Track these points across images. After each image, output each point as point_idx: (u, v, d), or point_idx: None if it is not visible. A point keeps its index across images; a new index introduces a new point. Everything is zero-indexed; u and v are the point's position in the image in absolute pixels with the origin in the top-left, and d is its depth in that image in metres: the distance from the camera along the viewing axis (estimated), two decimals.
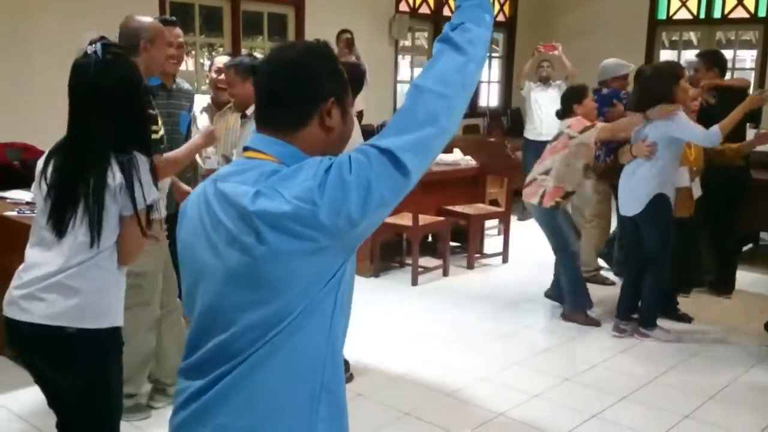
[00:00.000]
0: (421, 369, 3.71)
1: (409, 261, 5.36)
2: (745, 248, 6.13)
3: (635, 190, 4.10)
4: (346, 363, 3.49)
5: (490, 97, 10.02)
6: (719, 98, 4.67)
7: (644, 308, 4.28)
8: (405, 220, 5.16)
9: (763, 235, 6.39)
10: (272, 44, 7.93)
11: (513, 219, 7.40)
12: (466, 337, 4.22)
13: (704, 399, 3.45)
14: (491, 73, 10.02)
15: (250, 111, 3.35)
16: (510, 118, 9.52)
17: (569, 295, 4.50)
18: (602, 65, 5.26)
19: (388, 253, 5.67)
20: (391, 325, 4.39)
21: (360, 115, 7.12)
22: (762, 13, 8.10)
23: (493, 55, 10.03)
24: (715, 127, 3.89)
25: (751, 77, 8.44)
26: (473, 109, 9.53)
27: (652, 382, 3.65)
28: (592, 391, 3.51)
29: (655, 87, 4.10)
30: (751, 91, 5.20)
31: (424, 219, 5.20)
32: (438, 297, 4.97)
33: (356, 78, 3.25)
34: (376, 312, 4.59)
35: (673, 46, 9.14)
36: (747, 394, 3.54)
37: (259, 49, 7.50)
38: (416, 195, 5.15)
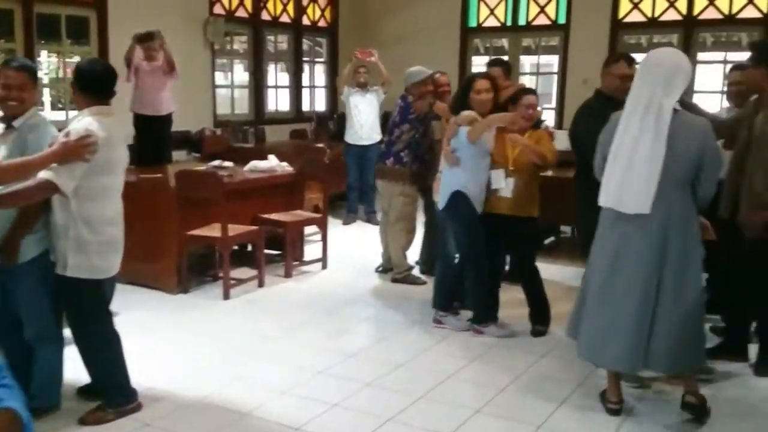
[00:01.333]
0: (220, 389, 3.56)
1: (222, 274, 5.18)
2: (547, 241, 6.54)
3: (443, 185, 4.33)
4: (133, 392, 3.28)
5: (316, 101, 10.02)
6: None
7: (472, 306, 4.43)
8: (214, 230, 4.98)
9: (563, 228, 6.83)
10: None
11: (338, 223, 7.50)
12: (274, 349, 4.12)
13: (497, 391, 3.58)
14: (316, 77, 10.03)
15: (18, 122, 3.05)
16: (337, 122, 9.57)
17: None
18: (406, 73, 5.38)
19: (201, 266, 5.46)
20: (195, 344, 4.19)
21: (169, 117, 6.84)
22: (562, 20, 8.70)
23: (317, 60, 10.06)
24: (466, 131, 4.09)
25: (554, 81, 9.07)
26: (299, 114, 9.50)
27: (451, 377, 3.75)
28: (392, 394, 3.53)
29: (458, 97, 4.34)
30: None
31: (236, 229, 5.05)
32: (251, 309, 4.84)
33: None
34: (180, 331, 4.38)
35: (487, 52, 9.59)
36: (538, 382, 3.72)
37: (54, 53, 6.97)
38: (226, 204, 5.08)
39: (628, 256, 3.12)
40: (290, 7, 9.19)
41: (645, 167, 3.01)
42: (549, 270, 5.73)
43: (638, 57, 7.33)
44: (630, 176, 3.04)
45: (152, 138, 6.70)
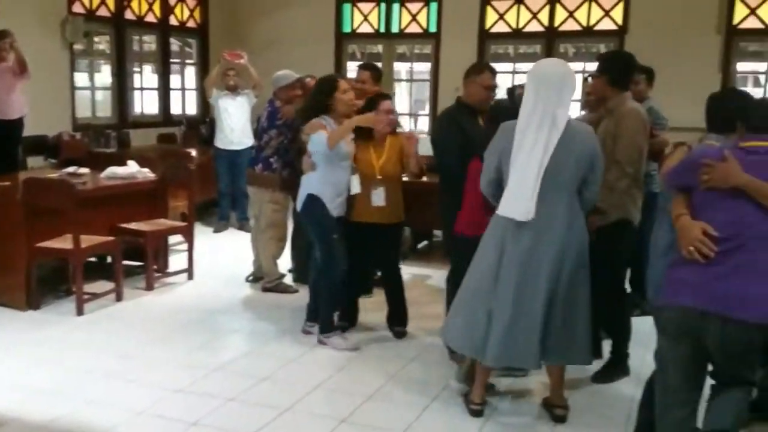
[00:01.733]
0: (71, 413, 3.30)
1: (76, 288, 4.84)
2: (420, 245, 6.61)
3: (301, 189, 4.24)
4: None
5: (186, 105, 9.66)
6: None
7: (320, 314, 4.34)
8: (66, 242, 4.64)
9: (436, 232, 6.93)
10: None
11: (208, 231, 7.24)
12: (130, 367, 3.87)
13: (364, 399, 3.54)
14: (186, 80, 9.68)
15: None
16: (209, 126, 9.26)
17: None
18: (273, 77, 5.26)
19: (56, 280, 5.09)
20: (43, 364, 3.87)
21: (20, 121, 6.38)
22: (433, 29, 8.86)
23: (188, 61, 9.71)
24: (325, 135, 4.00)
25: (427, 87, 9.23)
26: (168, 118, 9.11)
27: (319, 387, 3.67)
28: (256, 409, 3.40)
29: (316, 99, 4.20)
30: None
31: (89, 240, 4.73)
32: (107, 325, 4.54)
33: None
34: (27, 351, 4.04)
35: (363, 57, 9.59)
36: (404, 388, 3.71)
37: None
38: (80, 214, 4.74)
39: (522, 260, 3.13)
40: (156, 7, 8.80)
41: (534, 176, 3.06)
42: (422, 273, 5.83)
43: (504, 66, 7.71)
44: (523, 186, 3.08)
45: (1, 144, 6.21)
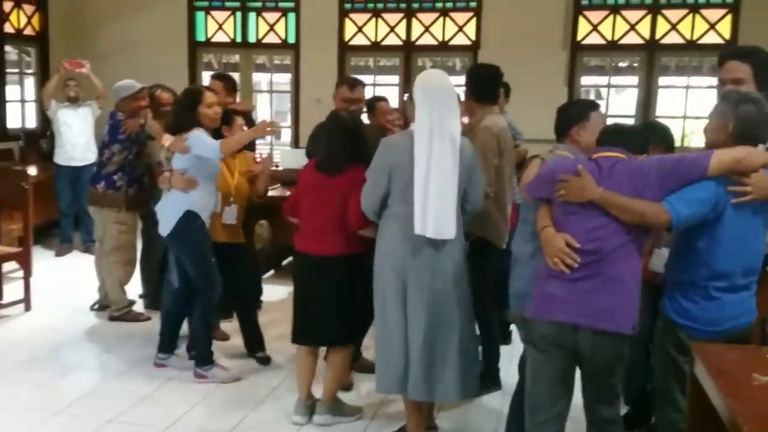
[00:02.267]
0: None
1: None
2: (284, 262, 6.41)
3: (168, 208, 3.84)
4: None
5: (26, 118, 8.86)
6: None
7: (196, 345, 4.03)
8: None
9: None
10: None
11: (50, 255, 6.64)
12: None
13: None
14: (25, 91, 8.88)
15: None
16: (50, 141, 8.54)
17: None
18: (114, 87, 4.89)
19: None
20: None
21: None
22: (292, 40, 8.69)
23: (26, 71, 8.92)
24: (218, 142, 3.75)
25: (288, 99, 9.05)
26: (4, 132, 8.31)
27: (172, 426, 3.39)
28: None
29: (180, 114, 3.89)
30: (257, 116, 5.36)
31: None
32: None
33: None
34: None
35: (221, 67, 9.23)
36: (267, 424, 3.51)
37: None
38: None
39: (427, 282, 3.00)
40: None
41: (453, 191, 2.96)
42: (287, 290, 5.61)
43: (366, 78, 7.70)
44: (443, 203, 2.94)
45: None
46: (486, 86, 3.74)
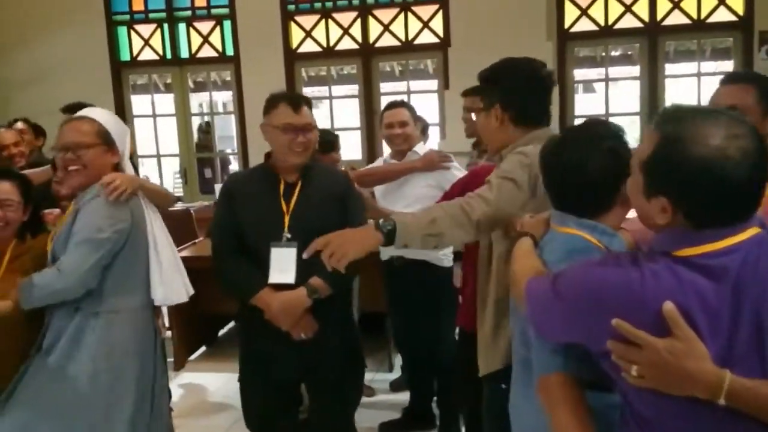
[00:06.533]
0: None
1: None
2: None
3: None
4: None
5: None
6: None
7: None
8: None
9: None
10: None
11: None
12: None
13: None
14: None
15: None
16: None
17: None
18: None
19: None
20: None
21: None
22: (230, 52, 7.44)
23: None
24: None
25: (233, 118, 7.80)
26: None
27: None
28: None
29: None
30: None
31: None
32: None
33: None
34: None
35: (146, 89, 7.92)
36: None
37: None
38: None
39: None
40: None
41: None
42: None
43: (321, 90, 6.48)
44: None
45: None
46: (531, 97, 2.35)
